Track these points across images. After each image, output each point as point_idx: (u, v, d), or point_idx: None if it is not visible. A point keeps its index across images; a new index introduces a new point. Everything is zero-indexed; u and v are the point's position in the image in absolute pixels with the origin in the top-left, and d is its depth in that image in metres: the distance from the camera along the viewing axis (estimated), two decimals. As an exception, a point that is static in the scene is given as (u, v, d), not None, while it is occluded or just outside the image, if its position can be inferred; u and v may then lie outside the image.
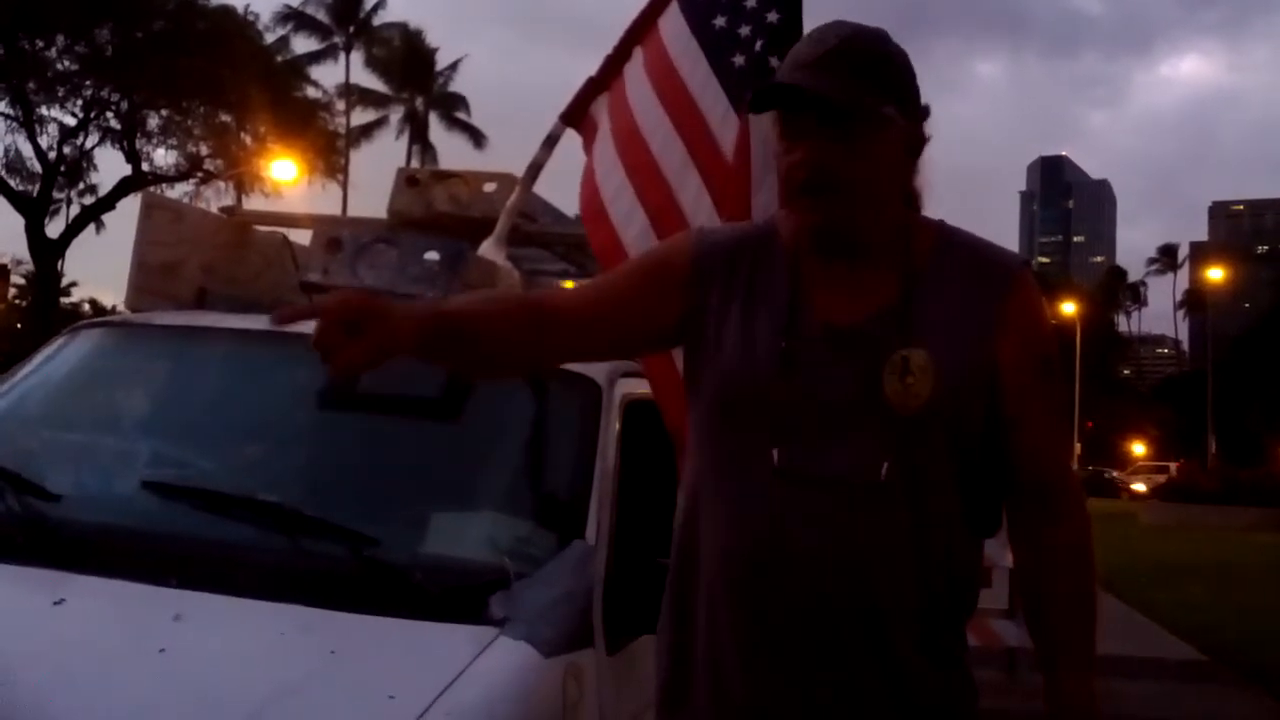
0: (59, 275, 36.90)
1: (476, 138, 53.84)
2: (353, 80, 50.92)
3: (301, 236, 3.90)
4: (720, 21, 3.21)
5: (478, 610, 2.10)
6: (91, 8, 27.65)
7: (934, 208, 1.81)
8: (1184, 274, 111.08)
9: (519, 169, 3.60)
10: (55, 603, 2.10)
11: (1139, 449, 71.75)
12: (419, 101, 53.85)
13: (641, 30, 3.43)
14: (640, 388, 2.79)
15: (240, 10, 33.14)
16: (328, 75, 56.95)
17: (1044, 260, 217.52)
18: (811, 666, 1.65)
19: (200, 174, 32.15)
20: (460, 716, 1.84)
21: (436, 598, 2.11)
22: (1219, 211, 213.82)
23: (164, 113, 31.33)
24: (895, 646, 1.65)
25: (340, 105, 46.15)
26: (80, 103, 30.96)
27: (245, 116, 31.10)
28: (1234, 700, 7.50)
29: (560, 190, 4.07)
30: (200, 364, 3.03)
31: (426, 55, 53.83)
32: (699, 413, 1.77)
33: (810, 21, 2.95)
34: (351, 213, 23.94)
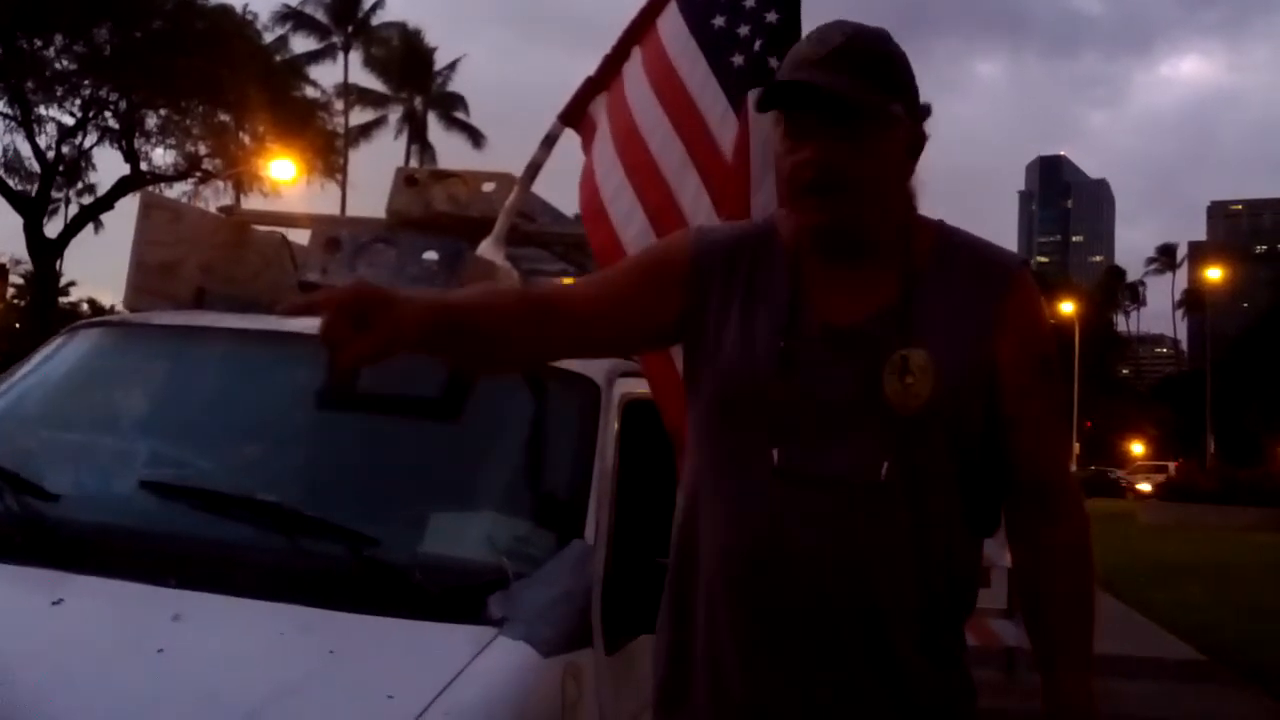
0: (57, 275, 36.87)
1: (475, 137, 53.91)
2: (351, 80, 50.99)
3: (300, 236, 3.91)
4: (719, 21, 3.21)
5: (477, 610, 2.10)
6: (90, 7, 27.63)
7: (933, 207, 1.81)
8: (1183, 274, 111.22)
9: (517, 169, 3.60)
10: (54, 603, 2.10)
11: (1138, 449, 71.78)
12: (417, 101, 53.84)
13: (640, 30, 3.43)
14: (639, 387, 2.79)
15: (239, 10, 33.19)
16: (326, 75, 57.07)
17: (1043, 260, 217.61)
18: (811, 665, 1.65)
19: (199, 173, 32.15)
20: (459, 716, 1.84)
21: (435, 598, 2.11)
22: (1217, 211, 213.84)
23: (162, 112, 31.32)
24: (895, 646, 1.65)
25: (339, 105, 46.21)
26: (79, 102, 30.96)
27: (244, 116, 31.08)
28: (1232, 700, 7.50)
29: (559, 190, 4.08)
30: (199, 364, 3.03)
31: (425, 55, 53.83)
32: (698, 412, 1.77)
33: (809, 22, 2.96)
34: (350, 212, 23.93)
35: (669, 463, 2.51)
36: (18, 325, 39.65)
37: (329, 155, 36.00)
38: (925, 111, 1.73)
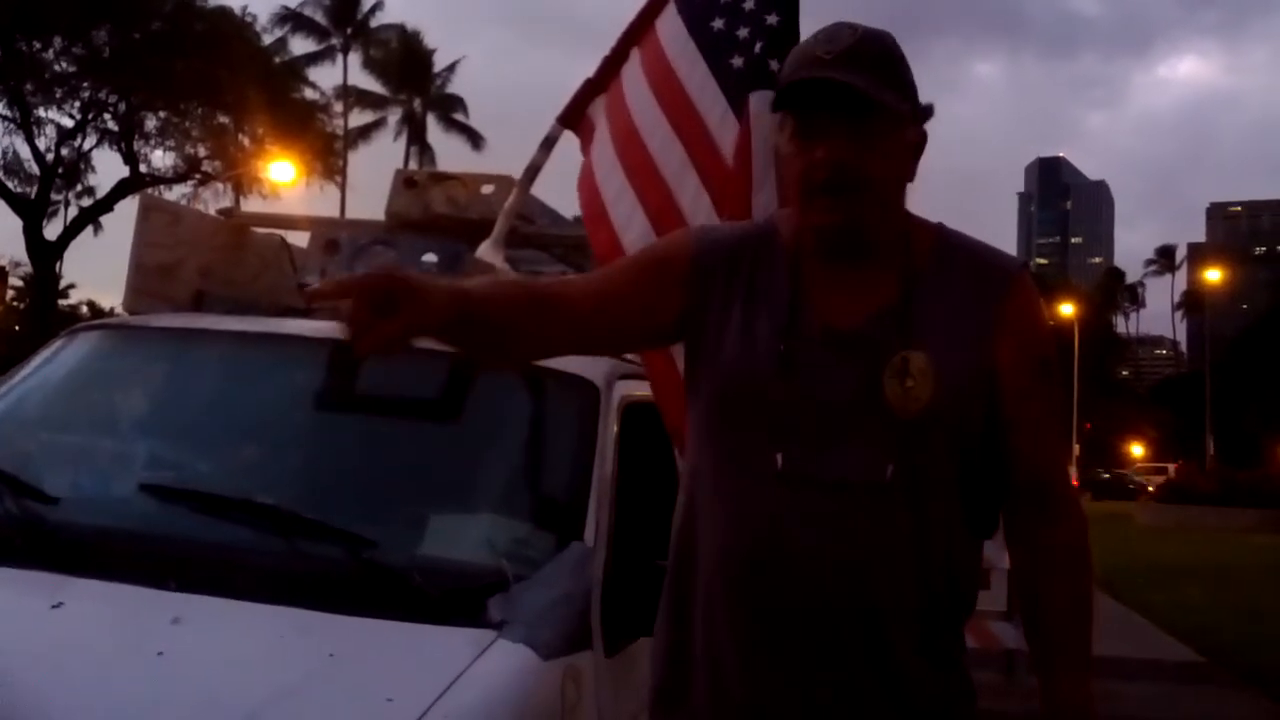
0: (57, 277, 36.86)
1: (474, 139, 53.87)
2: (350, 82, 50.94)
3: (299, 238, 3.91)
4: (718, 24, 3.21)
5: (476, 613, 2.09)
6: (89, 9, 27.63)
7: (932, 208, 1.81)
8: (1182, 275, 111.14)
9: (517, 171, 3.61)
10: (54, 606, 2.10)
11: (1137, 450, 71.75)
12: (417, 103, 53.81)
13: (639, 32, 3.43)
14: (639, 389, 2.79)
15: (238, 12, 33.15)
16: (325, 77, 56.95)
17: (1042, 262, 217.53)
18: (810, 666, 1.65)
19: (198, 176, 32.16)
20: (459, 719, 1.84)
21: (435, 600, 2.11)
22: (1217, 213, 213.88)
23: (162, 114, 31.34)
24: (894, 648, 1.65)
25: (338, 107, 46.15)
26: (78, 104, 30.97)
27: (243, 118, 31.09)
28: (1231, 702, 7.50)
29: (558, 192, 4.08)
30: (198, 366, 3.03)
31: (424, 56, 53.80)
32: (698, 412, 1.77)
33: (808, 24, 2.96)
34: (349, 214, 23.89)
35: (668, 465, 2.51)
36: (17, 328, 39.60)
37: (328, 157, 36.04)
38: (928, 112, 1.73)
